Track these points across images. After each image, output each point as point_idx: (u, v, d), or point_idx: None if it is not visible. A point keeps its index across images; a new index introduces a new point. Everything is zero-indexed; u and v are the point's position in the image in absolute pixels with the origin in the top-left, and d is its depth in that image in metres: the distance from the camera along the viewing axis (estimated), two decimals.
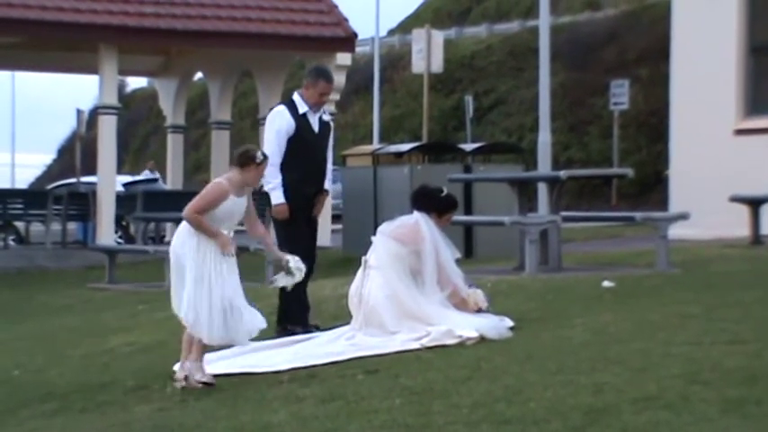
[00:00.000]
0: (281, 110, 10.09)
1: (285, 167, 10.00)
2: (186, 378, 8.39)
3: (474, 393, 7.04)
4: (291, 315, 10.04)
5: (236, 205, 8.46)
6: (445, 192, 9.74)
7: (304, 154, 10.05)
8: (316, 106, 10.14)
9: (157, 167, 33.90)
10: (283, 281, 8.82)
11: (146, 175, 30.97)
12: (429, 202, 9.59)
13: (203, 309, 8.26)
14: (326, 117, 10.32)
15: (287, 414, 7.12)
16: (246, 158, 8.50)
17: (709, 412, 6.06)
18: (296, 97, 10.13)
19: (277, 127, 10.01)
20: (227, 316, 8.34)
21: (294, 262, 8.74)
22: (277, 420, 6.97)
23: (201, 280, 8.28)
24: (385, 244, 9.40)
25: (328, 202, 15.43)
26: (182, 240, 8.48)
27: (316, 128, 10.16)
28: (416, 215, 9.50)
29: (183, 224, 8.51)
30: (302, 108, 10.08)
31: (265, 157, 8.58)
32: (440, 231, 9.49)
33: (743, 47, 19.90)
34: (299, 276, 8.76)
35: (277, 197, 10.03)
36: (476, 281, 11.86)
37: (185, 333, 8.51)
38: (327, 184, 10.38)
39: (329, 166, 10.38)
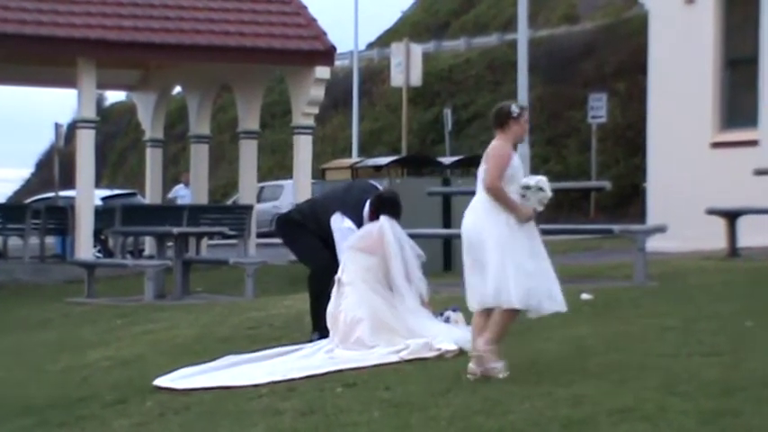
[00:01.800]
0: (354, 231, 10.05)
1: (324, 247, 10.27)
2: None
3: (452, 406, 7.05)
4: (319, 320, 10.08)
5: (519, 163, 8.09)
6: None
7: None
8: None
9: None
10: (536, 201, 8.07)
11: (179, 188, 29.78)
12: (395, 210, 9.72)
13: (522, 281, 7.82)
14: None
15: (266, 427, 7.12)
16: (503, 116, 8.08)
17: (687, 424, 6.09)
18: (365, 215, 10.07)
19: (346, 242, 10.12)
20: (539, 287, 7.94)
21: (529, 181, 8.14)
22: None
23: (512, 254, 7.86)
24: (353, 258, 9.47)
25: None
26: (481, 222, 8.07)
27: None
28: (383, 219, 9.59)
29: (477, 208, 8.10)
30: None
31: (521, 107, 8.19)
32: (405, 235, 9.62)
33: (719, 60, 20.02)
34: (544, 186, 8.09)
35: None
36: (454, 294, 11.90)
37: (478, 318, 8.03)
38: None
39: None
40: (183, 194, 28.41)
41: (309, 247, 10.47)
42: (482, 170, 8.04)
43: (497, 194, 7.94)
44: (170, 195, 29.00)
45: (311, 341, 9.92)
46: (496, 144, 8.05)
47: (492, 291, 7.85)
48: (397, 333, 9.14)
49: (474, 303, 8.09)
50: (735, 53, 20.07)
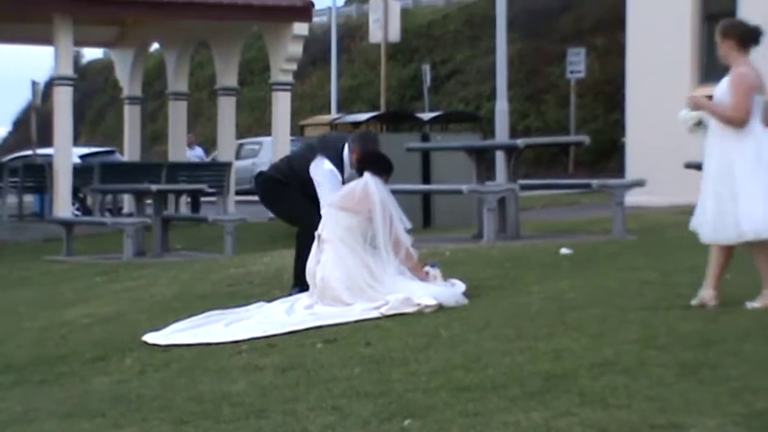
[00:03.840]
0: (336, 174, 10.12)
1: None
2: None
3: (432, 361, 7.07)
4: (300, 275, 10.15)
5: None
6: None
7: None
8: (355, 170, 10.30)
9: (197, 140, 30.11)
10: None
11: (191, 151, 28.91)
12: (380, 165, 9.61)
13: None
14: None
15: (246, 383, 7.13)
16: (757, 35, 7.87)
17: (666, 376, 6.12)
18: (345, 157, 10.15)
19: (329, 186, 10.06)
20: None
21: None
22: (236, 390, 6.98)
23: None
24: (334, 217, 9.39)
25: None
26: (734, 147, 7.84)
27: None
28: (366, 177, 9.49)
29: (726, 133, 7.85)
30: (347, 172, 10.22)
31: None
32: (391, 197, 9.52)
33: (697, 15, 20.01)
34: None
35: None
36: (434, 249, 11.91)
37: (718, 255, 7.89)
38: None
39: None
40: (188, 156, 27.92)
41: (296, 204, 10.31)
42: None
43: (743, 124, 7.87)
44: None
45: (290, 296, 9.93)
46: (742, 72, 7.78)
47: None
48: (373, 293, 9.10)
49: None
50: (713, 8, 20.06)
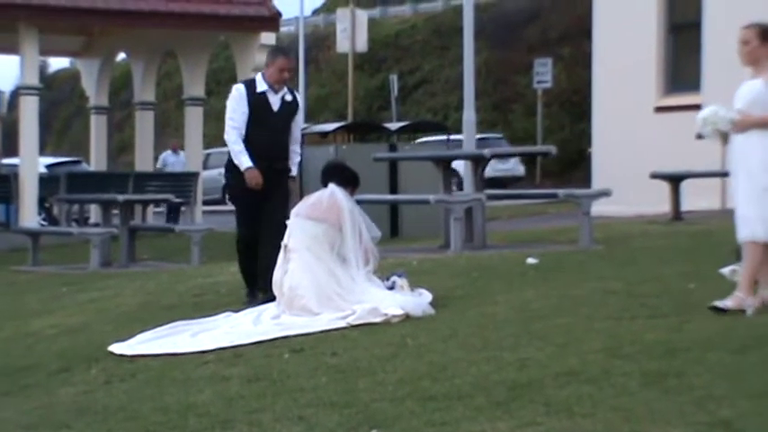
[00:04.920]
0: (239, 88, 10.33)
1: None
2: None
3: (399, 370, 7.08)
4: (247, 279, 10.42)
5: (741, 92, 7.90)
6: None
7: (259, 131, 10.24)
8: (277, 84, 10.30)
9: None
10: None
11: (167, 155, 28.53)
12: (344, 176, 9.63)
13: None
14: (290, 97, 10.45)
15: (212, 394, 7.11)
16: None
17: (630, 386, 6.16)
18: (258, 77, 10.38)
19: (233, 104, 10.25)
20: None
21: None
22: (202, 400, 6.97)
23: None
24: (301, 226, 9.36)
25: None
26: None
27: (275, 107, 10.35)
28: (332, 187, 9.49)
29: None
30: (261, 86, 10.29)
31: None
32: (358, 208, 9.53)
33: (663, 25, 20.14)
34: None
35: (245, 161, 10.18)
36: (401, 260, 11.94)
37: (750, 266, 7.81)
38: (294, 169, 10.59)
39: (294, 148, 10.56)
40: (171, 161, 27.72)
41: (242, 206, 10.42)
42: None
43: None
44: (158, 165, 28.00)
45: (245, 303, 10.06)
46: None
47: None
48: (341, 302, 9.11)
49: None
50: (678, 18, 20.19)
